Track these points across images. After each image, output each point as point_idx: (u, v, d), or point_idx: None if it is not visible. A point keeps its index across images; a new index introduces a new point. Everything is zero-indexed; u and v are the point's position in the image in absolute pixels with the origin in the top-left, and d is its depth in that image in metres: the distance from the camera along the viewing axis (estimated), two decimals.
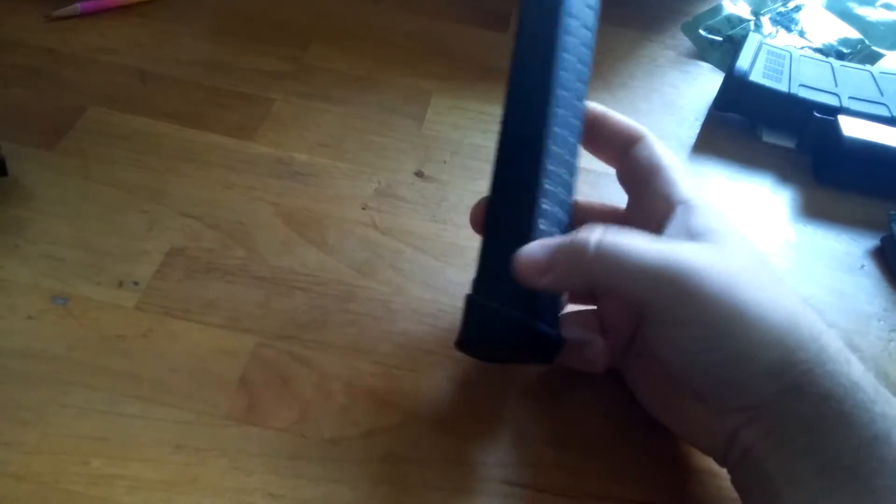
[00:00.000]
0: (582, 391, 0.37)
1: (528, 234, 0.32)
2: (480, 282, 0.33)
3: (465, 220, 0.44)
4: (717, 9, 0.63)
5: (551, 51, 0.35)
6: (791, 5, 0.64)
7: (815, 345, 0.28)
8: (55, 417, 0.32)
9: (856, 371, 0.28)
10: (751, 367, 0.29)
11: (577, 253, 0.30)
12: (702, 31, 0.61)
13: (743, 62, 0.53)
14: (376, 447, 0.33)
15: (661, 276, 0.29)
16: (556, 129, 0.34)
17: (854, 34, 0.62)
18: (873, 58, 0.60)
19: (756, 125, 0.54)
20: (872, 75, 0.55)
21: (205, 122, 0.47)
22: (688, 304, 0.29)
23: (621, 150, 0.36)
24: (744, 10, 0.63)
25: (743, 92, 0.52)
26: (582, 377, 0.37)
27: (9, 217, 0.39)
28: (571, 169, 0.34)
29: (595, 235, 0.30)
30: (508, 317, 0.31)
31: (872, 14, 0.64)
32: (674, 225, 0.32)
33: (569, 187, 0.34)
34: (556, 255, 0.31)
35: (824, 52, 0.60)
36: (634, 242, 0.30)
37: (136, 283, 0.38)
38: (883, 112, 0.52)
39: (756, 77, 0.52)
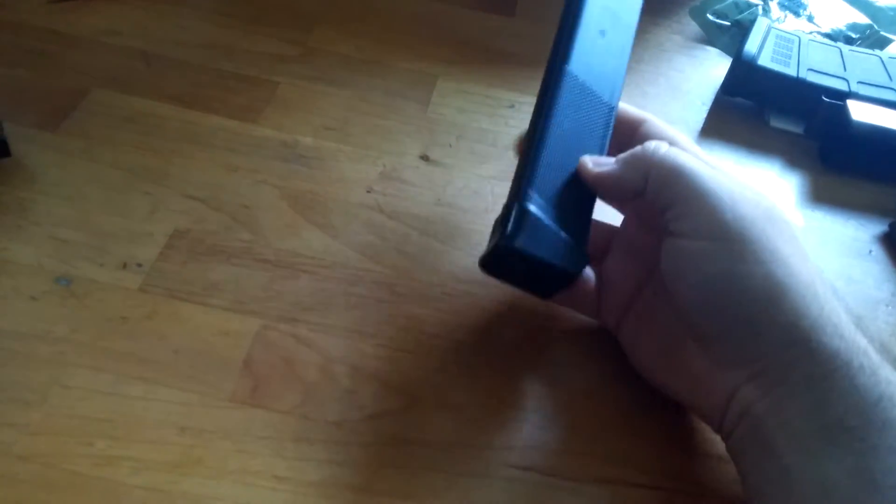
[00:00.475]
0: (589, 375, 0.37)
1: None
2: (524, 195, 0.33)
3: (470, 203, 0.44)
4: None
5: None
6: None
7: (827, 306, 0.29)
8: (58, 398, 0.32)
9: (861, 339, 0.29)
10: (763, 307, 0.29)
11: (648, 152, 0.32)
12: (709, 16, 0.61)
13: (751, 46, 0.53)
14: (381, 430, 0.33)
15: (712, 185, 0.30)
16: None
17: (863, 19, 0.61)
18: (882, 43, 0.59)
19: (764, 110, 0.54)
20: (881, 60, 0.54)
21: (209, 105, 0.47)
22: (725, 219, 0.30)
23: (627, 135, 0.36)
24: None
25: (751, 76, 0.52)
26: (589, 362, 0.37)
27: (12, 198, 0.39)
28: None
29: (667, 146, 0.32)
30: (551, 231, 0.32)
31: None
32: None
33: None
34: (623, 156, 0.33)
35: (833, 37, 0.60)
36: (697, 161, 0.32)
37: (139, 265, 0.37)
38: (892, 97, 0.51)
39: (764, 61, 0.52)
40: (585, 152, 0.34)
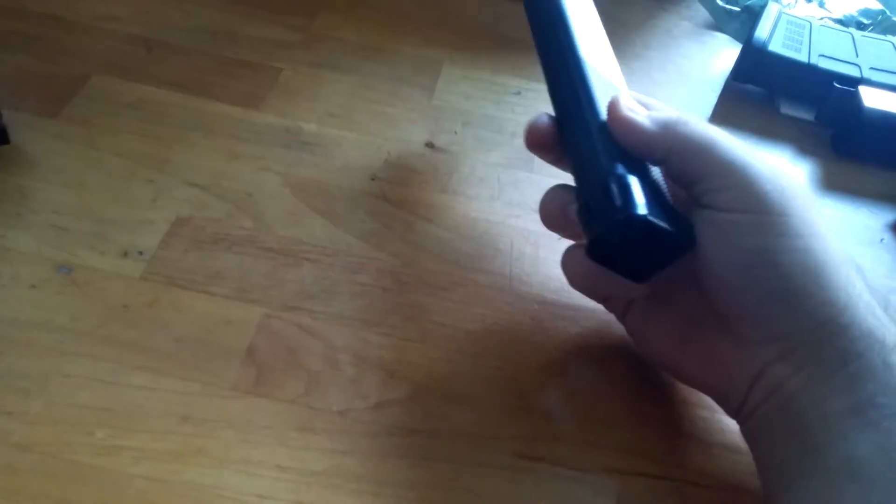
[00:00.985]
0: (596, 365, 0.36)
1: None
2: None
3: (476, 191, 0.43)
4: None
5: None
6: None
7: (859, 284, 0.29)
8: (59, 387, 0.32)
9: (888, 320, 0.28)
10: (801, 282, 0.28)
11: (671, 121, 0.31)
12: (719, 1, 0.60)
13: (762, 32, 0.52)
14: (385, 419, 0.33)
15: (747, 157, 0.30)
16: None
17: (875, 4, 0.61)
18: (895, 28, 0.58)
19: (774, 97, 0.53)
20: (894, 46, 0.54)
21: (211, 92, 0.46)
22: (764, 190, 0.29)
23: None
24: None
25: (761, 62, 0.51)
26: (597, 351, 0.36)
27: (11, 185, 0.39)
28: None
29: (695, 118, 0.31)
30: (655, 198, 0.30)
31: None
32: None
33: None
34: (657, 118, 0.31)
35: (844, 22, 0.59)
36: (726, 135, 0.31)
37: (141, 253, 0.37)
38: None
39: (775, 47, 0.51)
40: None
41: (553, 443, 0.33)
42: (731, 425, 0.32)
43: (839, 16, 0.59)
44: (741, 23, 0.59)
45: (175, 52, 0.48)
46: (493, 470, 0.32)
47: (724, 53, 0.57)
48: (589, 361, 0.36)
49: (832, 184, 0.48)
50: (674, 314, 0.33)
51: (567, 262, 0.34)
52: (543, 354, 0.36)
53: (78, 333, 0.33)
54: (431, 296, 0.38)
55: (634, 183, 0.30)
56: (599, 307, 0.38)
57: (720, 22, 0.59)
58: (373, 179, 0.43)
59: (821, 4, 0.61)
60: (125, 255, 0.37)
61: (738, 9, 0.59)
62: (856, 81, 0.50)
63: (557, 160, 0.36)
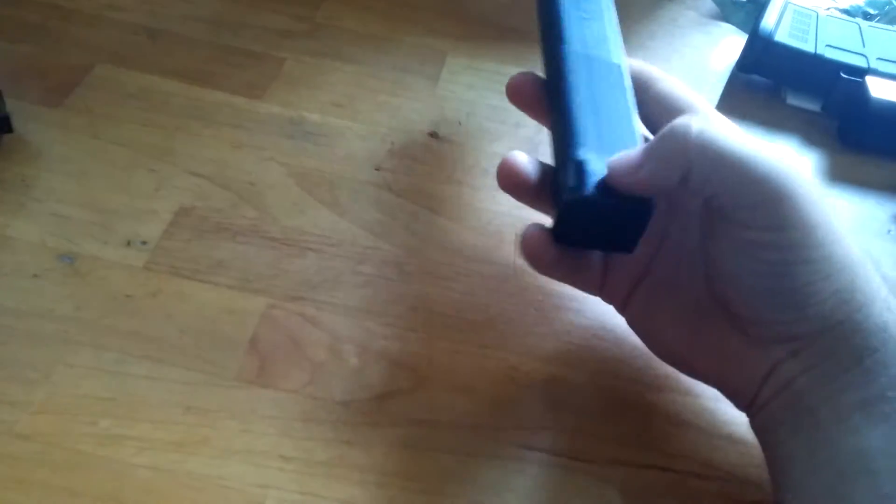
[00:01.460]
0: (601, 356, 0.36)
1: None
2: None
3: (480, 181, 0.43)
4: None
5: None
6: None
7: (875, 279, 0.28)
8: (62, 377, 0.32)
9: None
10: (820, 288, 0.28)
11: (679, 138, 0.28)
12: None
13: (768, 21, 0.51)
14: (389, 410, 0.33)
15: (764, 169, 0.28)
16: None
17: None
18: None
19: (780, 87, 0.53)
20: None
21: (214, 81, 0.46)
22: (785, 206, 0.27)
23: (638, 95, 0.34)
24: None
25: (768, 52, 0.51)
26: (602, 343, 0.36)
27: (14, 175, 0.39)
28: None
29: (697, 121, 0.28)
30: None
31: None
32: None
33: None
34: (653, 147, 0.29)
35: (851, 12, 0.58)
36: (734, 134, 0.28)
37: (144, 243, 0.37)
38: None
39: (781, 37, 0.51)
40: (612, 107, 0.32)
41: (557, 434, 0.33)
42: (737, 417, 0.32)
43: (846, 6, 0.59)
44: (747, 13, 0.58)
45: (178, 42, 0.48)
46: (496, 460, 0.32)
47: (729, 44, 0.56)
48: (593, 352, 0.36)
49: (839, 175, 0.48)
50: (682, 306, 0.33)
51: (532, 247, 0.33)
52: (548, 345, 0.36)
53: (81, 323, 0.33)
54: (435, 286, 0.38)
55: (584, 164, 0.30)
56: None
57: (726, 12, 0.59)
58: (377, 169, 0.43)
59: None
60: (128, 244, 0.37)
61: None
62: (863, 72, 0.50)
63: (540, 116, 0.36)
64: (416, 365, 0.34)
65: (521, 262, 0.38)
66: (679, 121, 0.29)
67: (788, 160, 0.29)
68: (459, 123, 0.46)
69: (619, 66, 0.34)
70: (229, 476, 0.30)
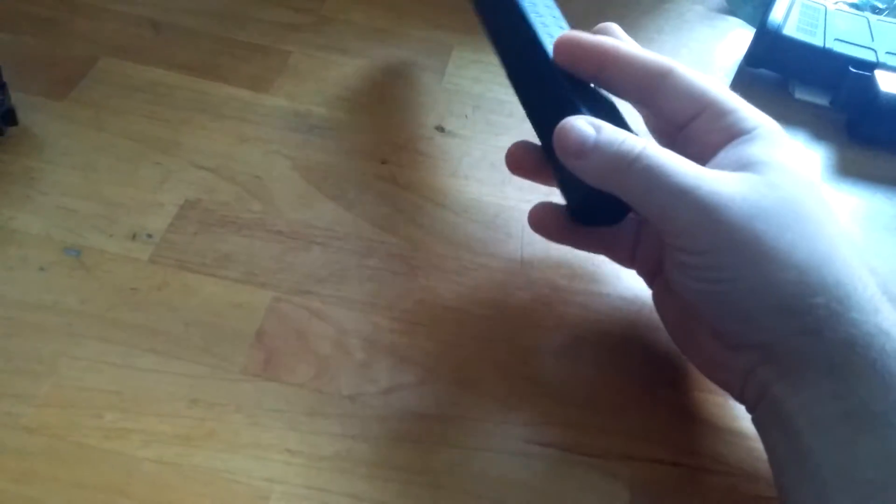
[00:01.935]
0: (609, 349, 0.36)
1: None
2: None
3: (487, 175, 0.43)
4: None
5: None
6: None
7: (839, 290, 0.27)
8: (67, 370, 0.31)
9: (886, 320, 0.27)
10: (763, 304, 0.27)
11: (623, 155, 0.29)
12: None
13: (776, 15, 0.51)
14: (396, 404, 0.32)
15: (687, 199, 0.28)
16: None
17: None
18: None
19: (788, 82, 0.52)
20: None
21: (219, 74, 0.46)
22: (706, 232, 0.28)
23: (650, 88, 0.32)
24: None
25: (776, 46, 0.51)
26: (609, 337, 0.36)
27: (20, 167, 0.38)
28: None
29: (641, 144, 0.29)
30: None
31: None
32: (724, 154, 0.30)
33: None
34: (603, 145, 0.29)
35: (860, 6, 0.58)
36: (674, 162, 0.28)
37: (149, 236, 0.37)
38: None
39: (790, 31, 0.50)
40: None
41: (565, 428, 0.33)
42: (745, 412, 0.32)
43: (854, 0, 0.59)
44: (754, 7, 0.58)
45: (184, 35, 0.48)
46: (504, 455, 0.32)
47: (737, 38, 0.56)
48: (601, 347, 0.36)
49: (847, 170, 0.47)
50: (680, 307, 0.33)
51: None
52: (556, 338, 0.36)
53: (86, 316, 0.33)
54: (442, 280, 0.37)
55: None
56: (612, 292, 0.38)
57: (733, 6, 0.58)
58: (383, 163, 0.42)
59: None
60: (134, 237, 0.37)
61: None
62: (872, 66, 0.49)
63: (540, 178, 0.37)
64: (423, 359, 0.34)
65: (528, 256, 0.38)
66: (630, 139, 0.29)
67: (721, 183, 0.28)
68: (466, 117, 0.46)
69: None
70: (235, 469, 0.29)
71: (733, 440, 0.33)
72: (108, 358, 0.32)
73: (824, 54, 0.50)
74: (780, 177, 0.29)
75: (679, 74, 0.31)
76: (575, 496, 0.31)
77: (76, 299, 0.34)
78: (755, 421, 0.31)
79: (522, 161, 0.36)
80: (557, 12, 0.37)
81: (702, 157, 0.31)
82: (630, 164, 0.29)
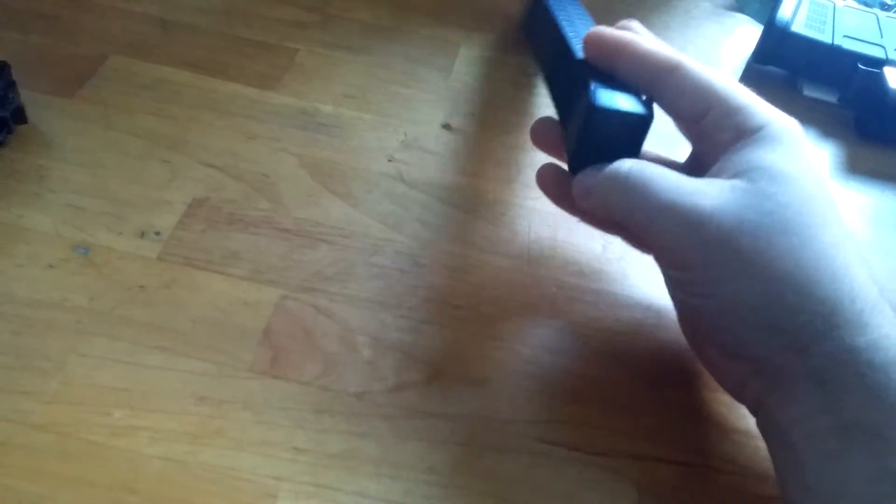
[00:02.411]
0: (617, 348, 0.36)
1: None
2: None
3: (493, 173, 0.43)
4: None
5: None
6: None
7: (825, 307, 0.26)
8: (76, 367, 0.32)
9: (874, 333, 0.26)
10: (747, 320, 0.27)
11: (611, 179, 0.30)
12: None
13: (784, 12, 0.51)
14: (403, 402, 0.32)
15: (669, 215, 0.28)
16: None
17: None
18: None
19: (797, 79, 0.52)
20: None
21: (227, 72, 0.46)
22: (688, 248, 0.28)
23: (658, 82, 0.32)
24: None
25: (784, 43, 0.50)
26: (618, 336, 0.36)
27: (29, 165, 0.39)
28: None
29: (626, 165, 0.30)
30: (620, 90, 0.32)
31: None
32: (726, 157, 0.30)
33: None
34: (599, 179, 0.31)
35: (868, 3, 0.58)
36: (662, 178, 0.29)
37: (157, 234, 0.37)
38: None
39: (798, 28, 0.50)
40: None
41: (572, 427, 0.33)
42: None
43: None
44: (762, 3, 0.58)
45: (191, 33, 0.48)
46: (511, 454, 0.32)
47: (744, 35, 0.56)
48: (608, 345, 0.36)
49: (856, 167, 0.47)
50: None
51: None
52: (562, 338, 0.36)
53: (95, 313, 0.33)
54: (449, 278, 0.37)
55: (593, 83, 0.32)
56: (620, 290, 0.37)
57: (741, 3, 0.58)
58: (390, 161, 0.42)
59: None
60: (142, 235, 0.37)
61: None
62: (881, 63, 0.49)
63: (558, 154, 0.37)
64: (430, 357, 0.34)
65: (535, 255, 0.38)
66: (617, 162, 0.30)
67: (706, 197, 0.28)
68: (472, 115, 0.46)
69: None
70: (242, 467, 0.30)
71: (741, 440, 0.33)
72: (116, 355, 0.32)
73: (833, 51, 0.50)
74: (773, 185, 0.28)
75: (687, 70, 0.31)
76: (582, 495, 0.31)
77: (84, 297, 0.34)
78: (758, 426, 0.31)
79: (545, 136, 0.37)
80: (590, 21, 0.40)
81: (713, 155, 0.31)
82: (620, 184, 0.30)
